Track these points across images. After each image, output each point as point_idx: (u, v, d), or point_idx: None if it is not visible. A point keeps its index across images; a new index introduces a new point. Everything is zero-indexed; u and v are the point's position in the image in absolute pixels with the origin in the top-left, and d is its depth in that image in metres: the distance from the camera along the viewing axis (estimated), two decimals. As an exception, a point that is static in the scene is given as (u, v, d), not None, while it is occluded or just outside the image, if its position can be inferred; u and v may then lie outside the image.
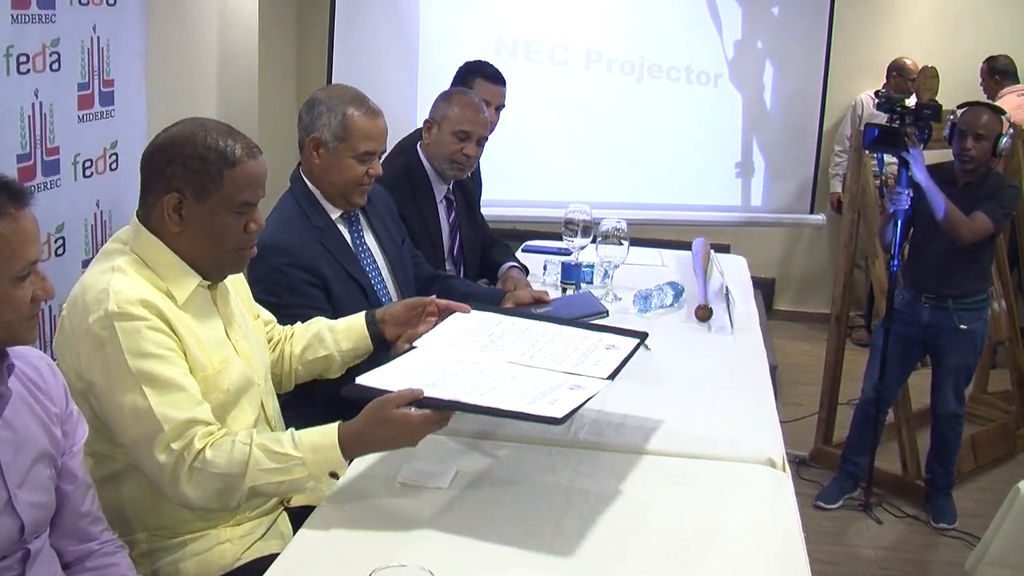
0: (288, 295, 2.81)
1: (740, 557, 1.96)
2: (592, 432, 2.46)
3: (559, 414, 1.90)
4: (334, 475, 2.11)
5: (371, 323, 2.62)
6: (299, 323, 2.68)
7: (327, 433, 2.09)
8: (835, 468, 4.86)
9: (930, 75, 6.95)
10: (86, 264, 4.13)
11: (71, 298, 2.16)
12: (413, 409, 2.02)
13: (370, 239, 3.16)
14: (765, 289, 7.49)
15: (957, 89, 6.68)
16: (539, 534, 1.99)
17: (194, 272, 2.21)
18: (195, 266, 2.22)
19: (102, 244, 4.19)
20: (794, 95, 6.40)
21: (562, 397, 2.00)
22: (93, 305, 2.07)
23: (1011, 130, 4.39)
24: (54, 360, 2.08)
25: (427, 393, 1.97)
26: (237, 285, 2.46)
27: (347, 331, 2.61)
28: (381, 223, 3.23)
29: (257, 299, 2.62)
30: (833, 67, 6.43)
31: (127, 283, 2.11)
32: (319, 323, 2.65)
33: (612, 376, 2.19)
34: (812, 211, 6.57)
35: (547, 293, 3.29)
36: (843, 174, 7.04)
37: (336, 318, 2.75)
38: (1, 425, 1.80)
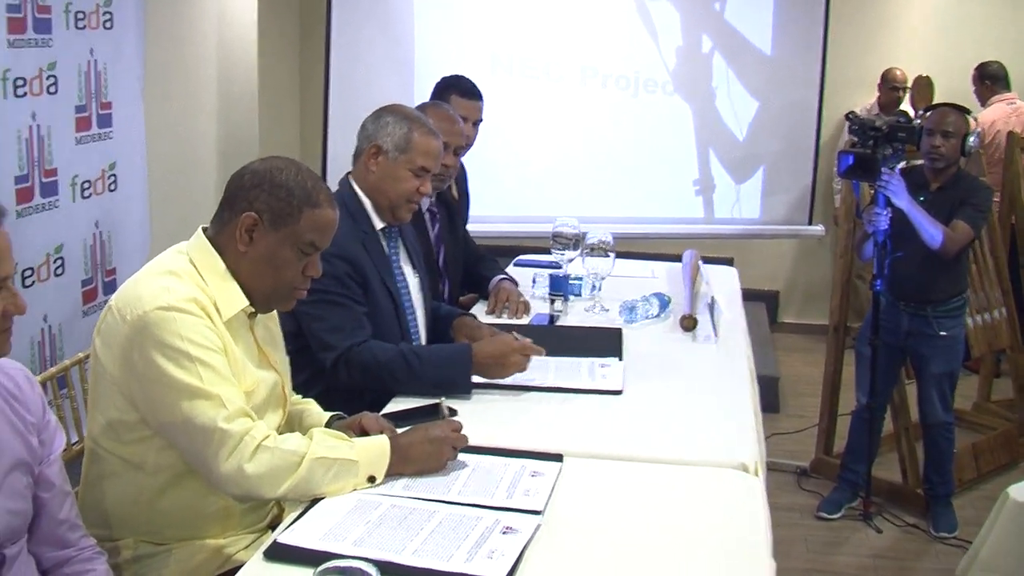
0: (331, 282, 2.86)
1: (706, 559, 1.98)
2: (569, 440, 2.49)
3: (501, 574, 1.86)
4: (372, 479, 2.20)
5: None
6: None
7: (379, 437, 2.31)
8: (836, 478, 4.86)
9: (924, 84, 6.97)
10: (85, 283, 4.22)
11: (123, 293, 2.22)
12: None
13: (404, 260, 3.23)
14: (769, 302, 7.51)
15: (952, 97, 6.65)
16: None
17: (242, 296, 2.29)
18: (247, 291, 2.29)
19: (102, 264, 4.30)
20: (791, 107, 6.42)
21: (499, 546, 1.95)
22: (151, 298, 2.14)
23: (978, 130, 4.37)
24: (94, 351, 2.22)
25: (354, 551, 1.89)
26: (272, 324, 2.52)
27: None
28: (414, 249, 3.31)
29: None
30: (829, 79, 6.45)
31: (183, 286, 2.20)
32: (299, 406, 2.61)
33: (543, 510, 2.14)
34: (811, 222, 6.58)
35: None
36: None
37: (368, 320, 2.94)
38: (-25, 433, 1.84)
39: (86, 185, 4.20)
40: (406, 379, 2.85)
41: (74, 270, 4.17)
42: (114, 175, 4.39)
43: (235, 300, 2.27)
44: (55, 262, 4.03)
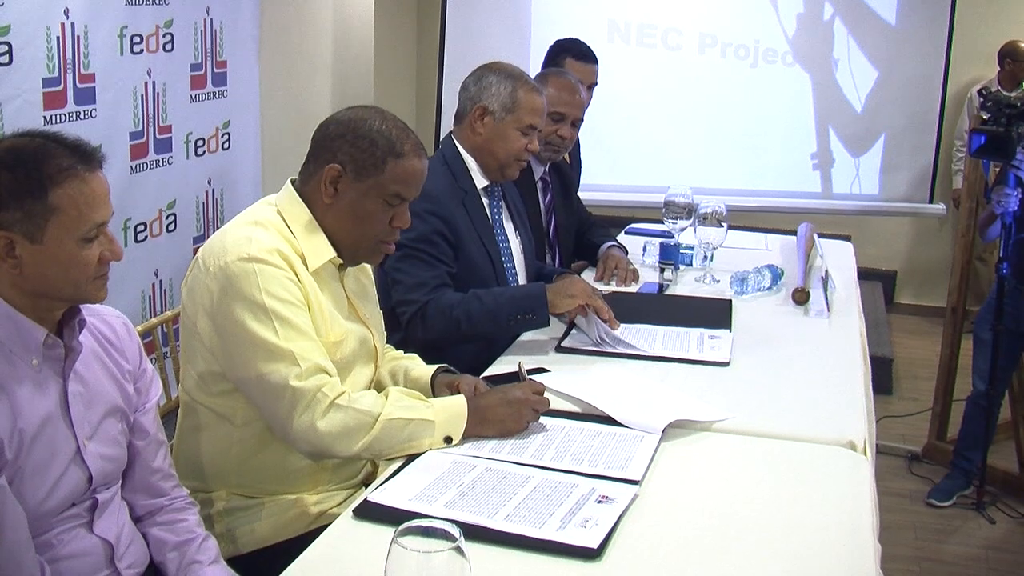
0: (420, 240, 2.86)
1: (808, 536, 1.91)
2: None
3: (594, 544, 1.81)
4: (448, 439, 2.17)
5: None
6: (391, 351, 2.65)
7: (457, 397, 2.29)
8: (948, 464, 4.72)
9: (1058, 61, 6.67)
10: (197, 240, 4.27)
11: (209, 243, 2.23)
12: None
13: (506, 218, 3.22)
14: (887, 282, 7.33)
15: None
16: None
17: (329, 247, 2.28)
18: (334, 243, 2.28)
19: (214, 221, 4.35)
20: (914, 80, 6.22)
21: (594, 515, 1.90)
22: (233, 248, 2.15)
23: None
24: (180, 303, 2.24)
25: (444, 514, 1.85)
26: (364, 278, 2.51)
27: (416, 383, 2.53)
28: (516, 209, 3.29)
29: None
30: (955, 52, 6.22)
31: (268, 236, 2.19)
32: (403, 360, 2.60)
33: (641, 480, 2.08)
34: (931, 200, 6.38)
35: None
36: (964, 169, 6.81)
37: (463, 280, 2.91)
38: (72, 378, 1.85)
39: (200, 143, 4.24)
40: (481, 317, 2.83)
41: (186, 226, 4.22)
42: (228, 133, 4.44)
43: (322, 251, 2.26)
44: (167, 217, 4.08)
